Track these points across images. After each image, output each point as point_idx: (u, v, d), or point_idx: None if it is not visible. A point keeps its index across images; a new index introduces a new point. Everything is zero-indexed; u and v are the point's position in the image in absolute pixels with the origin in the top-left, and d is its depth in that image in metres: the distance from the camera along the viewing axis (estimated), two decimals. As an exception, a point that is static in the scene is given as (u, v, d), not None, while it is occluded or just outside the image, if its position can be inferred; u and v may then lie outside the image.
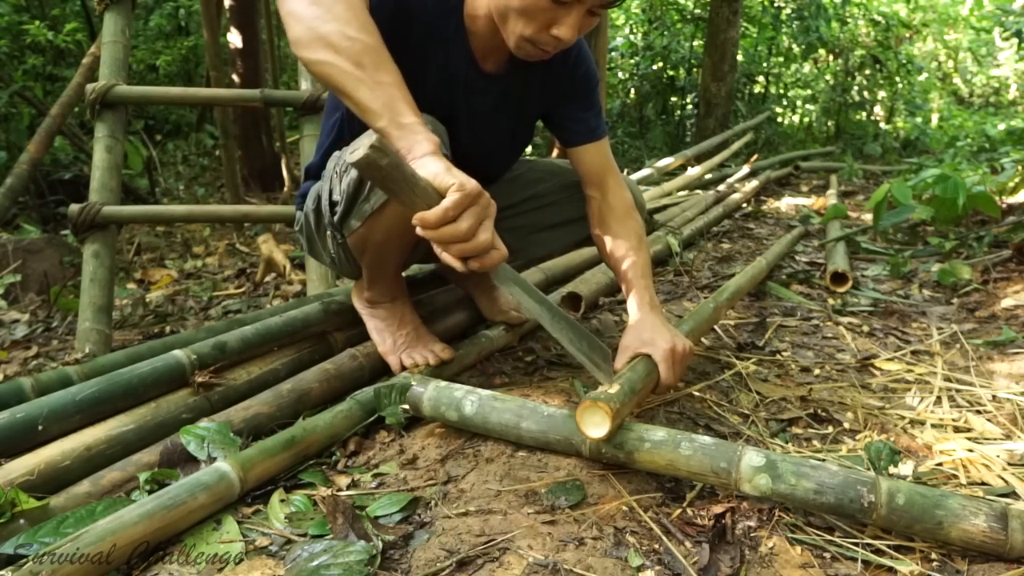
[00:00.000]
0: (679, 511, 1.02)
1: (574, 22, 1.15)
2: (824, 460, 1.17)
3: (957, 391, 1.53)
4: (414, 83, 1.25)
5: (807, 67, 9.27)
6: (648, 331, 1.27)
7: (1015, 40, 6.56)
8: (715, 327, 1.92)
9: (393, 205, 1.23)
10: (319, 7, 1.01)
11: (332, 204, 1.31)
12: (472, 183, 0.96)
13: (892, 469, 1.18)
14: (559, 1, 1.12)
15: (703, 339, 1.82)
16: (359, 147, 0.90)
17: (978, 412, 1.42)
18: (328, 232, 1.38)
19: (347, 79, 1.00)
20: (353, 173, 1.23)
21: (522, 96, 1.43)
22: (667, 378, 1.22)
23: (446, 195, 0.94)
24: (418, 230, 0.97)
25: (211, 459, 1.09)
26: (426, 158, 0.98)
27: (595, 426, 1.03)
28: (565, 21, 1.15)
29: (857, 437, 1.32)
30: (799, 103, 9.42)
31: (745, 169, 4.91)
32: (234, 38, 4.85)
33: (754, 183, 4.53)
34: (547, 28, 1.16)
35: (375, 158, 0.89)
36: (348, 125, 1.37)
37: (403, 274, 1.59)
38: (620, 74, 9.23)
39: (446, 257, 0.99)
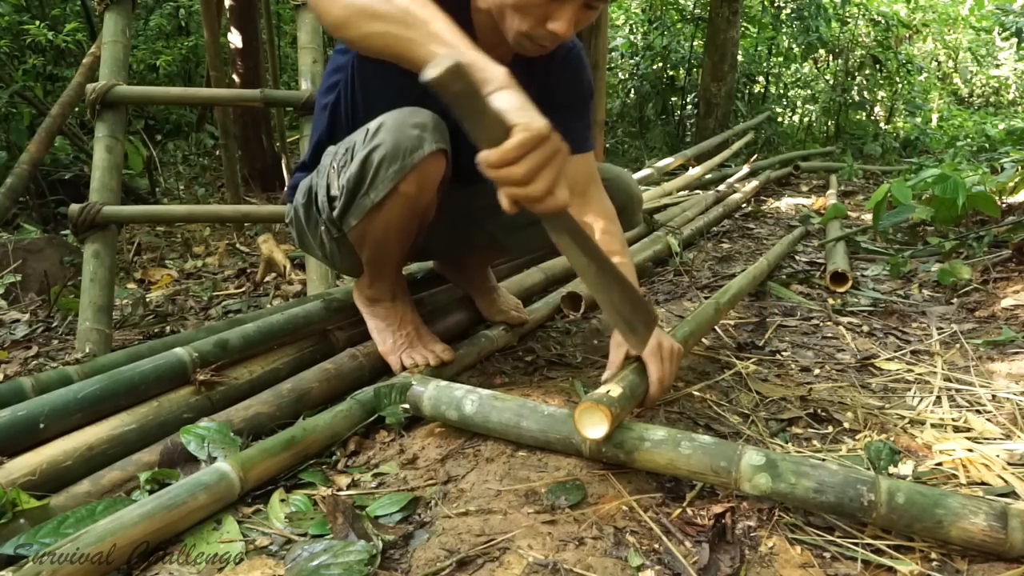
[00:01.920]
0: (679, 511, 1.02)
1: (569, 16, 1.15)
2: (824, 460, 1.17)
3: (957, 391, 1.53)
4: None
5: (807, 67, 9.27)
6: None
7: (1015, 40, 6.56)
8: (715, 327, 1.92)
9: (393, 199, 1.24)
10: None
11: (331, 199, 1.31)
12: (540, 123, 0.89)
13: (892, 469, 1.18)
14: None
15: (703, 339, 1.82)
16: (438, 66, 0.84)
17: (978, 412, 1.42)
18: (322, 228, 1.38)
19: (401, 43, 0.96)
20: (353, 168, 1.23)
21: (525, 91, 1.43)
22: (657, 372, 1.20)
23: (511, 134, 0.89)
24: (480, 166, 0.92)
25: (211, 459, 1.09)
26: (501, 91, 0.92)
27: (593, 427, 1.03)
28: (560, 16, 1.15)
29: (857, 437, 1.32)
30: (799, 103, 9.42)
31: (745, 169, 4.91)
32: (234, 38, 4.84)
33: (754, 183, 4.53)
34: (543, 23, 1.16)
35: (448, 81, 0.85)
36: (344, 104, 1.38)
37: (403, 273, 1.59)
38: (620, 74, 9.24)
39: (501, 196, 0.94)
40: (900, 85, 8.64)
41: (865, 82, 8.29)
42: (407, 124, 1.21)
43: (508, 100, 0.91)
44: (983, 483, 1.15)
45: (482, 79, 0.92)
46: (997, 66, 10.70)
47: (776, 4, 7.99)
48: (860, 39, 8.35)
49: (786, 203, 4.48)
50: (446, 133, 1.26)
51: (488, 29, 1.29)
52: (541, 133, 0.89)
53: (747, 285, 2.03)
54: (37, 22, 4.88)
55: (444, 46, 0.94)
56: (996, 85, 10.97)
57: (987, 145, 6.22)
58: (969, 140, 6.85)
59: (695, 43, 8.17)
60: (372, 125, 1.24)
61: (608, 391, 1.08)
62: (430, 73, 0.84)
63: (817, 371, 1.66)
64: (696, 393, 1.46)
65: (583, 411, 1.03)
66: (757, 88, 8.74)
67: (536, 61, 1.37)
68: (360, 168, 1.23)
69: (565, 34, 1.17)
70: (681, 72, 8.40)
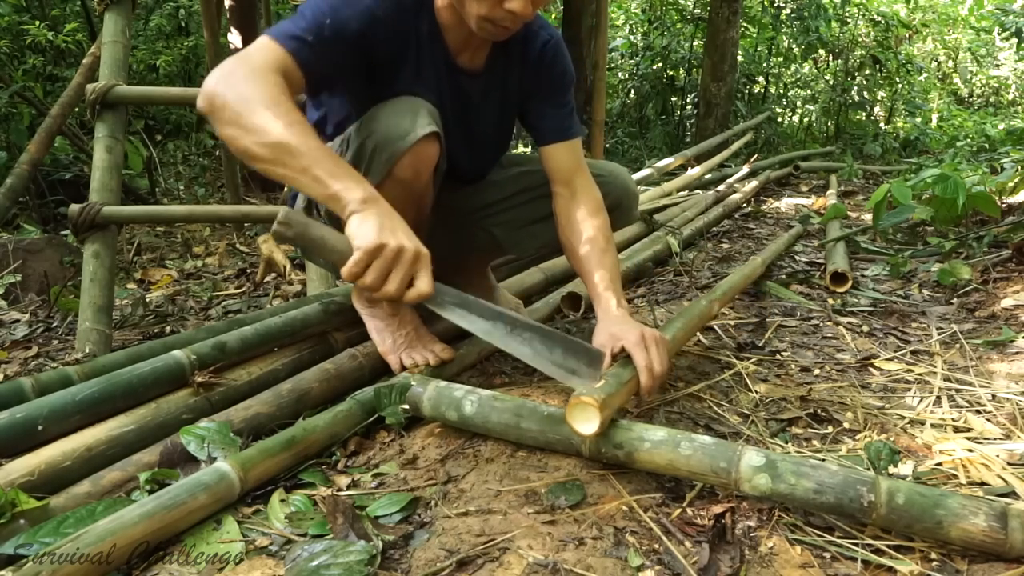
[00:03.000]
0: (679, 511, 1.02)
1: None
2: (824, 460, 1.17)
3: (957, 391, 1.53)
4: (394, 91, 1.28)
5: (807, 67, 9.27)
6: (616, 325, 1.27)
7: (1015, 40, 6.56)
8: (715, 327, 1.92)
9: (388, 184, 1.26)
10: (235, 126, 1.08)
11: None
12: (370, 239, 1.03)
13: (892, 469, 1.18)
14: None
15: (703, 339, 1.83)
16: (275, 224, 1.08)
17: (978, 412, 1.42)
18: None
19: (283, 177, 1.09)
20: (348, 157, 1.26)
21: (503, 90, 1.44)
22: (643, 360, 1.19)
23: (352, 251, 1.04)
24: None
25: (211, 459, 1.09)
26: (352, 216, 1.06)
27: (585, 422, 1.03)
28: None
29: (857, 437, 1.32)
30: (799, 103, 9.42)
31: (745, 169, 4.91)
32: (234, 38, 4.85)
33: (754, 183, 4.53)
34: (500, 4, 1.18)
35: (281, 231, 1.08)
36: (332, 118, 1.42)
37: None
38: (620, 74, 9.24)
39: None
40: (900, 85, 8.64)
41: (865, 82, 8.29)
42: (399, 111, 1.23)
43: (353, 224, 1.06)
44: (983, 483, 1.15)
45: (342, 206, 1.07)
46: (997, 66, 10.70)
47: (776, 4, 7.99)
48: (860, 39, 8.35)
49: (786, 203, 4.48)
50: (438, 118, 1.27)
51: (455, 26, 1.30)
52: (370, 247, 1.03)
53: (739, 282, 2.02)
54: (37, 22, 4.88)
55: (310, 180, 1.07)
56: (996, 85, 10.97)
57: (987, 145, 6.21)
58: (969, 140, 6.84)
59: (695, 43, 8.17)
60: (366, 116, 1.27)
61: (595, 384, 1.09)
62: (273, 229, 1.09)
63: (817, 371, 1.66)
64: (696, 393, 1.46)
65: (572, 408, 1.04)
66: (757, 88, 8.74)
67: (514, 53, 1.37)
68: (355, 157, 1.25)
69: (523, 11, 1.18)
70: (681, 72, 8.40)
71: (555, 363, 1.14)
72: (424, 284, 1.09)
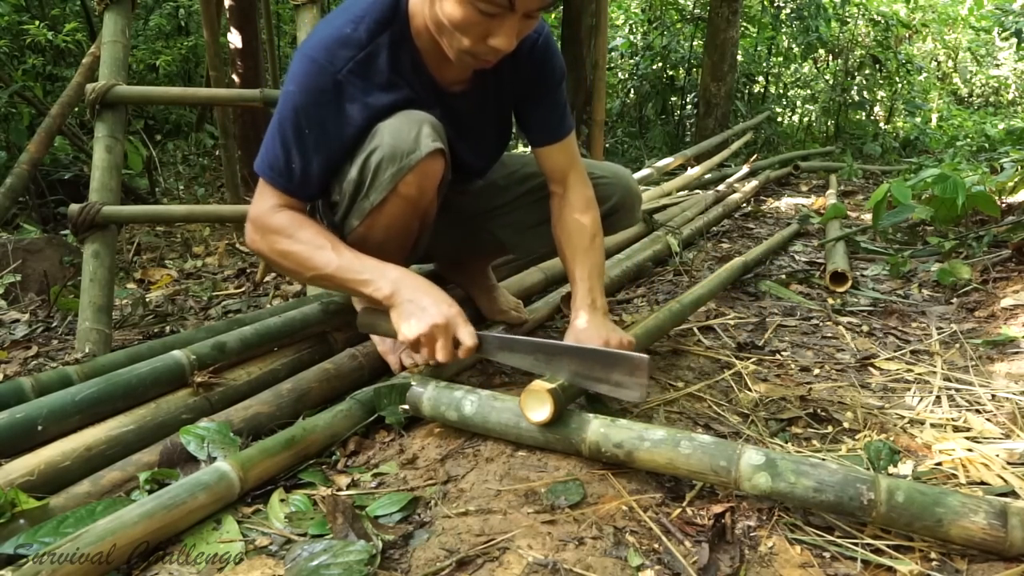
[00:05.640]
0: (679, 511, 1.02)
1: (509, 31, 1.14)
2: (824, 459, 1.17)
3: (956, 391, 1.53)
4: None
5: (807, 67, 9.27)
6: (584, 331, 1.30)
7: (1015, 40, 6.57)
8: (715, 327, 1.92)
9: (393, 201, 1.25)
10: (287, 259, 1.25)
11: (332, 205, 1.31)
12: (408, 335, 1.17)
13: (891, 468, 1.18)
14: (489, 13, 1.11)
15: (703, 339, 1.83)
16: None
17: (977, 412, 1.42)
18: None
19: (341, 289, 1.32)
20: (352, 172, 1.24)
21: (496, 100, 1.42)
22: None
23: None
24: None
25: (211, 459, 1.09)
26: (390, 313, 1.22)
27: (536, 410, 1.08)
28: (500, 31, 1.13)
29: (857, 437, 1.32)
30: (799, 103, 9.42)
31: (745, 169, 4.91)
32: (234, 38, 4.84)
33: (753, 183, 4.53)
34: (484, 39, 1.15)
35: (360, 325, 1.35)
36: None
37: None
38: (620, 74, 9.25)
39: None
40: (900, 85, 8.64)
41: (865, 82, 8.28)
42: (404, 127, 1.21)
43: (392, 320, 1.22)
44: (983, 483, 1.15)
45: (378, 303, 1.23)
46: (997, 66, 10.70)
47: (776, 4, 7.99)
48: (860, 39, 8.34)
49: (786, 203, 4.48)
50: (443, 133, 1.26)
51: (432, 50, 1.27)
52: (411, 340, 1.18)
53: (717, 286, 2.04)
54: (37, 22, 4.88)
55: (351, 291, 1.28)
56: (996, 85, 10.96)
57: (987, 145, 6.21)
58: (969, 140, 6.84)
59: (695, 43, 8.17)
60: (370, 132, 1.25)
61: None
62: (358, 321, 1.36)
63: (817, 371, 1.66)
64: (696, 393, 1.46)
65: (526, 396, 1.08)
66: (757, 88, 8.74)
67: (502, 63, 1.33)
68: (359, 172, 1.23)
69: (506, 48, 1.15)
70: (681, 72, 8.40)
71: (598, 380, 1.15)
72: (467, 341, 1.18)
